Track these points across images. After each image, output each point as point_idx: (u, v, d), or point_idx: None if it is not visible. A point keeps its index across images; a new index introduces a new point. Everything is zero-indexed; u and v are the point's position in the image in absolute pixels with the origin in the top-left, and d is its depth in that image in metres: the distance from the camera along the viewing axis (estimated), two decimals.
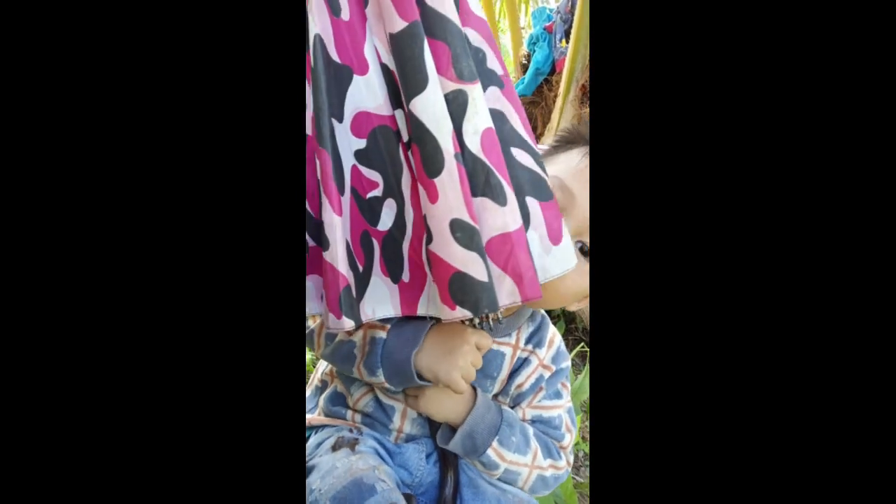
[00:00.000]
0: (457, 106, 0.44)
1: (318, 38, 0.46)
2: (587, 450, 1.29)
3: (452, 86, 0.44)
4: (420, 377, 0.53)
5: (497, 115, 0.48)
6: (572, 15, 2.15)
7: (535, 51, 2.39)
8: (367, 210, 0.50)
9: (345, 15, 0.47)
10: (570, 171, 0.52)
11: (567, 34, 2.27)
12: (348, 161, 0.49)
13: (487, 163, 0.43)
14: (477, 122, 0.44)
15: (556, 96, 2.17)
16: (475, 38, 0.48)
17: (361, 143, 0.49)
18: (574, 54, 2.00)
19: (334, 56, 0.47)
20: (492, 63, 0.48)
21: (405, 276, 0.50)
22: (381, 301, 0.50)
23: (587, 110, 1.94)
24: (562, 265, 0.46)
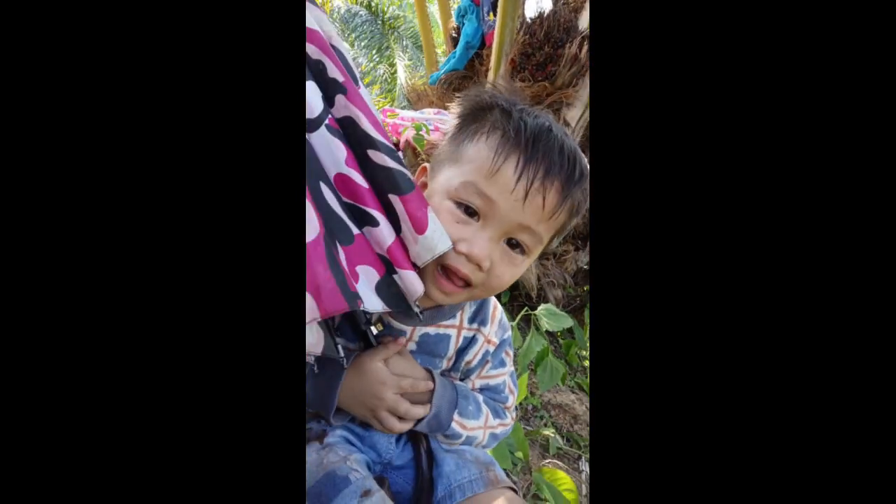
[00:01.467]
0: None
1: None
2: (535, 403, 1.51)
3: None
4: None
5: (347, 122, 0.48)
6: None
7: (463, 24, 2.37)
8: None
9: None
10: (485, 173, 0.50)
11: (494, 7, 2.27)
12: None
13: None
14: None
15: (487, 70, 2.19)
16: (313, 51, 0.48)
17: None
18: (502, 28, 2.00)
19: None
20: (332, 72, 0.48)
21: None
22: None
23: (518, 84, 1.98)
24: (430, 251, 0.48)
